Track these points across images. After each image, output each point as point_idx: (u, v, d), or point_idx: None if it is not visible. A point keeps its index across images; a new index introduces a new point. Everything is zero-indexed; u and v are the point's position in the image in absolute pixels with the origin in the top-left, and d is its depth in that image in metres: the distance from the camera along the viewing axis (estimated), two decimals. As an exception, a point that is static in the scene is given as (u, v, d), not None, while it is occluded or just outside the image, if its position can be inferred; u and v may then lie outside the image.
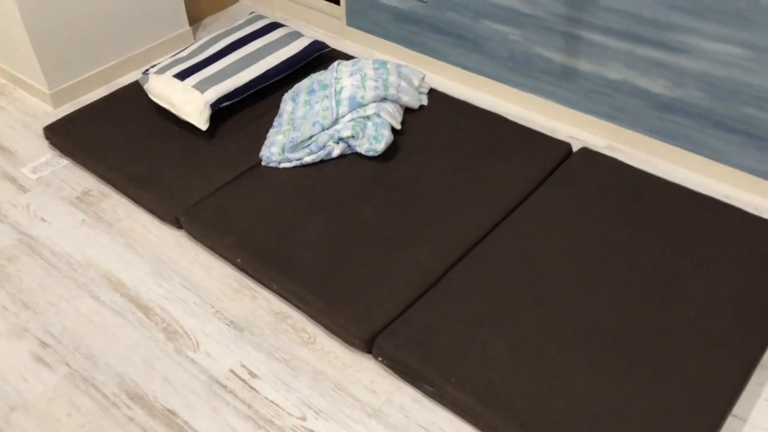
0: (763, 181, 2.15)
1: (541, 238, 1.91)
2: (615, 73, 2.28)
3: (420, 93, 2.45)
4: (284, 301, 1.91)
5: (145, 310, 1.90)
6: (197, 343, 1.81)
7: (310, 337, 1.82)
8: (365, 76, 2.30)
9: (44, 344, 1.82)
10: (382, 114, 2.22)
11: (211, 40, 2.56)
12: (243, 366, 1.75)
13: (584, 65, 2.34)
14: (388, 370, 1.73)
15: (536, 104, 2.53)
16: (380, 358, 1.70)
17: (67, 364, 1.77)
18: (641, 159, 2.34)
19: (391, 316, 1.74)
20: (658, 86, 2.21)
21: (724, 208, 1.98)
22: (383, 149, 2.14)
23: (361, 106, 2.21)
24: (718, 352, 1.62)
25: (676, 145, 2.27)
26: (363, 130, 2.18)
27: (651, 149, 2.33)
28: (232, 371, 1.74)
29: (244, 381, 1.72)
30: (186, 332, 1.84)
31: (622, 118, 2.35)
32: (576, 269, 1.82)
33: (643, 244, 1.88)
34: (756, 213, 2.12)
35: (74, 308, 1.91)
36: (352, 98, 2.22)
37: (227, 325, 1.85)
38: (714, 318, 1.69)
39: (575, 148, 2.39)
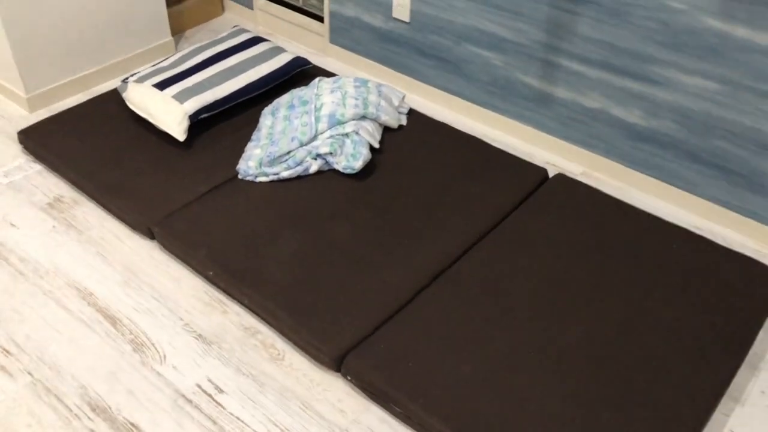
0: (733, 213, 2.18)
1: (513, 263, 1.92)
2: (592, 101, 2.31)
3: (399, 113, 2.46)
4: (255, 316, 1.89)
5: (113, 320, 1.87)
6: (164, 356, 1.79)
7: (279, 354, 1.80)
8: (346, 93, 2.31)
9: (7, 352, 1.78)
10: (360, 132, 2.22)
11: (192, 51, 2.56)
12: (210, 381, 1.73)
13: (562, 92, 2.37)
14: (357, 389, 1.72)
15: (514, 129, 2.55)
16: (349, 377, 1.69)
17: (30, 374, 1.73)
18: (615, 187, 2.37)
19: (361, 335, 1.73)
20: (633, 116, 2.24)
21: (695, 239, 2.01)
22: (361, 167, 2.14)
23: (341, 123, 2.22)
24: (685, 381, 1.63)
25: (650, 175, 2.31)
26: (341, 147, 2.18)
27: (625, 178, 2.36)
28: (198, 386, 1.72)
29: (210, 396, 1.70)
30: (153, 344, 1.81)
31: (598, 146, 2.38)
32: (546, 295, 1.83)
33: (614, 272, 1.90)
34: (725, 245, 2.16)
35: (40, 316, 1.87)
36: (331, 115, 2.22)
37: (195, 338, 1.83)
38: (681, 348, 1.71)
39: (551, 173, 2.41)
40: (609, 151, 2.36)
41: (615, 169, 2.37)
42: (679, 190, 2.26)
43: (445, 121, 2.63)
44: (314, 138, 2.20)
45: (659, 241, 1.99)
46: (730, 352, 1.70)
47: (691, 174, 2.21)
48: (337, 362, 1.70)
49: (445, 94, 2.68)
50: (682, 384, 1.63)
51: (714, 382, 1.64)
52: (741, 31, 1.92)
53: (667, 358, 1.69)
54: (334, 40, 2.95)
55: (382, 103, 2.36)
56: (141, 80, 2.39)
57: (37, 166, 2.36)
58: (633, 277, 1.89)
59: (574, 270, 1.90)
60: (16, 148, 2.44)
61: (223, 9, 3.31)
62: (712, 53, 2.00)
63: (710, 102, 2.07)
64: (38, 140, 2.33)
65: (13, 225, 2.14)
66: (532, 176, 2.23)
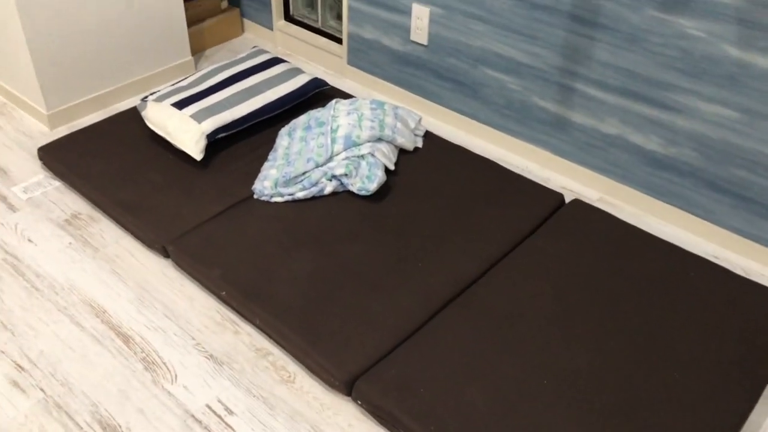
0: (752, 243, 2.15)
1: (528, 288, 1.91)
2: (610, 127, 2.30)
3: (415, 135, 2.46)
4: (267, 337, 1.89)
5: (125, 338, 1.87)
6: (175, 375, 1.78)
7: (290, 376, 1.79)
8: (362, 115, 2.32)
9: (20, 368, 1.79)
10: (376, 154, 2.22)
11: (212, 71, 2.58)
12: (220, 401, 1.72)
13: (580, 117, 2.36)
14: (367, 414, 1.71)
15: (531, 153, 2.54)
16: (359, 402, 1.68)
17: (42, 390, 1.74)
18: (632, 214, 2.35)
19: (373, 359, 1.72)
20: (652, 143, 2.23)
21: (712, 268, 1.98)
22: (375, 189, 2.14)
23: (356, 145, 2.22)
24: (700, 414, 1.60)
25: (668, 202, 2.28)
26: (356, 168, 2.18)
27: (642, 205, 2.34)
28: (208, 406, 1.71)
29: (219, 417, 1.69)
30: (164, 363, 1.81)
31: (615, 172, 2.36)
32: (560, 322, 1.81)
33: (629, 300, 1.88)
34: (743, 275, 2.13)
35: (53, 332, 1.88)
36: (347, 137, 2.23)
37: (207, 358, 1.83)
38: (696, 379, 1.68)
39: (568, 198, 2.40)
40: (626, 177, 2.34)
41: (632, 195, 2.35)
42: (697, 218, 2.24)
43: (461, 144, 2.63)
44: (330, 159, 2.21)
45: (676, 270, 1.97)
46: (748, 385, 1.67)
47: (709, 202, 2.19)
48: (348, 386, 1.69)
49: (462, 116, 2.68)
50: (697, 417, 1.60)
51: (730, 416, 1.61)
52: (761, 60, 1.91)
53: (682, 389, 1.66)
54: (352, 62, 2.96)
55: (398, 125, 2.37)
56: (160, 99, 2.41)
57: (56, 183, 2.38)
58: (649, 306, 1.86)
59: (589, 297, 1.88)
60: (36, 164, 2.47)
61: (242, 29, 3.34)
62: (731, 81, 1.98)
63: (729, 130, 2.05)
64: (57, 157, 2.35)
65: (30, 241, 2.16)
66: (549, 201, 2.21)
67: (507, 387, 1.65)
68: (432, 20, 2.58)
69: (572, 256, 2.00)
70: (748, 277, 2.11)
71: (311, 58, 3.13)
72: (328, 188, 2.18)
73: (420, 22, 2.61)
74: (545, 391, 1.65)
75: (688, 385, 1.67)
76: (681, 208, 2.26)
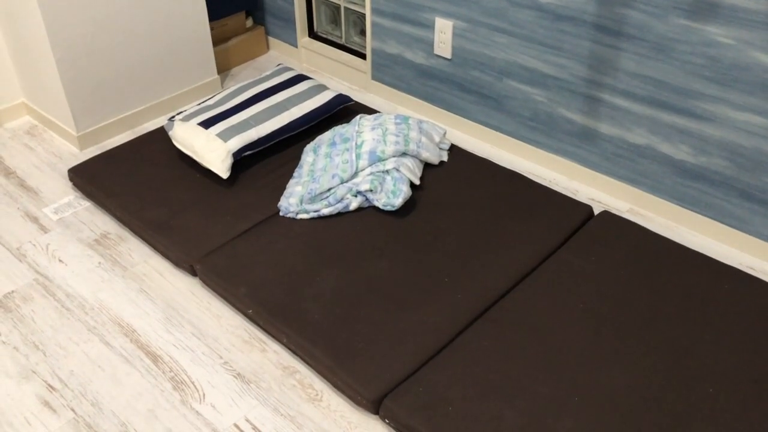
0: (789, 253, 2.10)
1: (557, 303, 1.88)
2: (638, 137, 2.26)
3: (440, 149, 2.45)
4: (293, 355, 1.88)
5: (154, 357, 1.88)
6: (203, 394, 1.79)
7: (317, 394, 1.78)
8: (386, 130, 2.31)
9: (51, 388, 1.81)
10: (401, 169, 2.22)
11: (238, 89, 2.60)
12: (247, 421, 1.72)
13: (607, 128, 2.33)
14: (395, 432, 1.69)
15: (558, 164, 2.52)
16: (387, 420, 1.66)
17: (73, 410, 1.75)
18: (663, 225, 2.30)
19: (400, 377, 1.70)
20: (681, 153, 2.19)
21: (748, 280, 1.93)
22: (401, 204, 2.13)
23: (381, 160, 2.22)
24: (740, 428, 1.56)
25: (700, 213, 2.24)
26: (381, 184, 2.18)
27: (674, 215, 2.30)
28: (236, 425, 1.71)
29: (247, 436, 1.69)
30: (193, 382, 1.82)
31: (644, 183, 2.32)
32: (591, 337, 1.78)
33: (663, 314, 1.83)
34: (781, 286, 2.07)
35: (83, 352, 1.90)
36: (372, 152, 2.22)
37: (234, 377, 1.83)
38: (734, 393, 1.63)
39: (597, 210, 2.36)
40: (656, 188, 2.30)
41: (663, 206, 2.31)
42: (731, 229, 2.18)
43: (486, 157, 2.61)
44: (355, 175, 2.20)
45: (710, 282, 1.92)
46: (788, 401, 1.62)
47: (743, 212, 2.14)
48: (375, 405, 1.67)
49: (487, 129, 2.67)
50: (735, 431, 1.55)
51: (771, 433, 1.56)
52: (793, 66, 1.87)
53: (718, 404, 1.61)
54: (376, 77, 2.97)
55: (423, 139, 2.36)
56: (186, 119, 2.44)
57: (86, 203, 2.42)
58: (683, 319, 1.82)
59: (620, 311, 1.85)
60: (66, 185, 2.51)
61: (267, 47, 3.37)
62: (762, 89, 1.94)
63: (761, 138, 2.00)
64: (87, 177, 2.39)
65: (61, 261, 2.19)
66: (577, 213, 2.18)
67: (538, 405, 1.62)
68: (455, 34, 2.58)
69: (602, 269, 1.97)
70: (785, 288, 2.05)
71: (336, 74, 3.15)
72: (354, 204, 2.18)
73: (443, 35, 2.61)
74: (578, 408, 1.61)
75: (725, 400, 1.62)
76: (713, 218, 2.21)
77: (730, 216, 2.17)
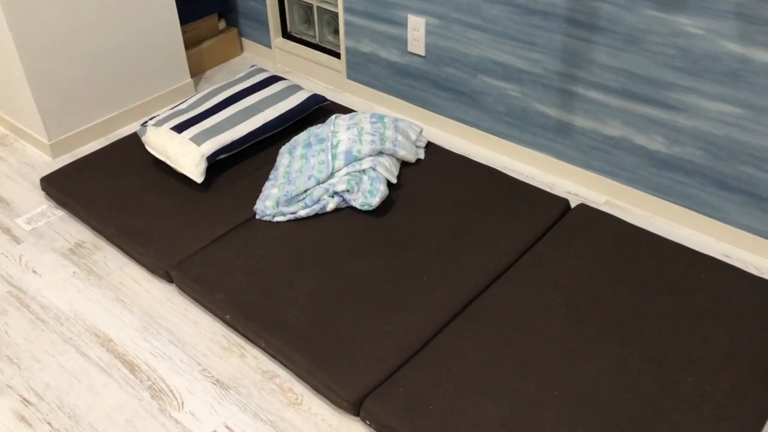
0: (764, 240, 2.11)
1: (536, 298, 1.87)
2: (612, 129, 2.27)
3: (417, 147, 2.44)
4: (273, 359, 1.87)
5: (131, 366, 1.86)
6: (182, 402, 1.77)
7: (297, 398, 1.77)
8: (362, 130, 2.30)
9: (27, 402, 1.78)
10: (378, 168, 2.20)
11: (211, 92, 2.58)
12: (227, 427, 1.70)
13: (582, 121, 2.33)
14: (377, 434, 1.68)
15: (534, 159, 2.52)
16: (368, 422, 1.65)
17: (49, 423, 1.73)
18: (640, 216, 2.31)
19: (380, 378, 1.69)
20: (656, 143, 2.19)
21: (725, 268, 1.94)
22: (378, 204, 2.12)
23: (357, 159, 2.21)
24: (718, 417, 1.56)
25: (676, 203, 2.25)
26: (358, 184, 2.16)
27: (650, 206, 2.30)
28: (216, 433, 1.70)
29: (228, 443, 1.67)
30: (171, 391, 1.79)
31: (620, 175, 2.33)
32: (571, 331, 1.78)
33: (641, 305, 1.84)
34: (757, 273, 2.08)
35: (59, 364, 1.87)
36: (348, 152, 2.21)
37: (213, 383, 1.81)
38: (714, 382, 1.64)
39: (573, 203, 2.37)
40: (632, 179, 2.31)
41: (639, 197, 2.31)
42: (706, 218, 2.20)
43: (463, 154, 2.61)
44: (331, 176, 2.19)
45: (687, 271, 1.93)
46: (766, 387, 1.63)
47: (718, 201, 2.15)
48: (356, 406, 1.66)
49: (463, 125, 2.66)
50: (715, 422, 1.56)
51: (749, 419, 1.56)
52: (762, 54, 1.87)
53: (698, 393, 1.62)
54: (351, 76, 2.95)
55: (399, 137, 2.35)
56: (159, 123, 2.41)
57: (60, 212, 2.39)
58: (661, 309, 1.82)
59: (599, 303, 1.85)
60: (39, 194, 2.47)
61: (241, 49, 3.35)
62: (732, 78, 1.95)
63: (734, 127, 2.01)
64: (60, 186, 2.36)
65: (35, 272, 2.15)
66: (554, 207, 2.18)
67: (518, 400, 1.62)
68: (428, 31, 2.57)
69: (580, 262, 1.97)
70: (761, 275, 2.07)
71: (311, 74, 3.13)
72: (331, 205, 2.17)
73: (416, 33, 2.60)
74: (558, 402, 1.61)
75: (705, 389, 1.63)
76: (689, 208, 2.22)
77: (705, 205, 2.18)
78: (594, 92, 2.25)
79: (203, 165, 2.27)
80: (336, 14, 2.96)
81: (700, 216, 2.21)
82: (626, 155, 2.28)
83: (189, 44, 3.13)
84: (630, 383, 1.65)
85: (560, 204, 2.20)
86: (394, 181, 2.24)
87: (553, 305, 1.85)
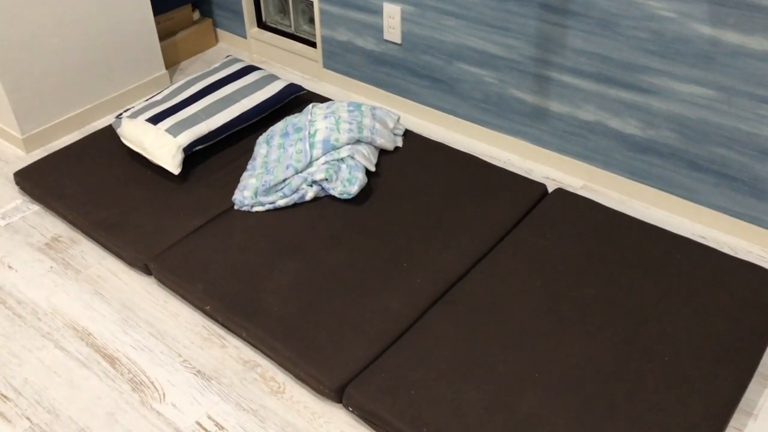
0: (738, 221, 2.14)
1: (515, 282, 1.89)
2: (588, 114, 2.29)
3: (395, 135, 2.44)
4: (254, 349, 1.87)
5: (111, 360, 1.85)
6: (163, 394, 1.76)
7: (279, 387, 1.77)
8: (339, 118, 2.30)
9: (5, 398, 1.76)
10: (356, 156, 2.20)
11: (186, 83, 2.56)
12: (210, 418, 1.70)
13: (557, 106, 2.34)
14: (359, 420, 1.69)
15: (511, 145, 2.53)
16: (350, 408, 1.66)
17: (28, 419, 1.71)
18: (617, 199, 2.34)
19: (362, 364, 1.70)
20: (630, 127, 2.22)
21: (700, 249, 1.97)
22: (357, 192, 2.12)
23: (335, 148, 2.20)
24: (696, 396, 1.59)
25: (651, 186, 2.27)
26: (337, 173, 2.16)
27: (626, 189, 2.33)
28: (198, 423, 1.69)
29: (210, 433, 1.67)
30: (152, 383, 1.79)
31: (596, 159, 2.35)
32: (550, 314, 1.80)
33: (618, 286, 1.86)
34: (731, 253, 2.11)
35: (38, 359, 1.85)
36: (326, 141, 2.20)
37: (194, 374, 1.80)
38: (690, 361, 1.67)
39: (551, 188, 2.38)
40: (608, 163, 2.33)
41: (615, 181, 2.34)
42: (681, 200, 2.22)
43: (441, 141, 2.61)
44: (309, 165, 2.19)
45: (663, 253, 1.95)
46: (740, 364, 1.66)
47: (692, 182, 2.18)
48: (338, 393, 1.67)
49: (440, 113, 2.67)
50: (693, 399, 1.59)
51: (726, 395, 1.59)
52: (732, 37, 1.90)
53: (676, 372, 1.64)
54: (327, 65, 2.94)
55: (377, 126, 2.35)
56: (134, 115, 2.39)
57: (35, 207, 2.36)
58: (638, 291, 1.85)
59: (577, 286, 1.87)
60: (13, 189, 2.44)
61: (216, 39, 3.32)
62: (704, 60, 1.97)
63: (706, 109, 2.04)
64: (34, 180, 2.33)
65: (11, 267, 2.13)
66: (531, 192, 2.20)
67: (499, 383, 1.64)
68: (404, 18, 2.56)
69: (558, 246, 1.99)
70: (735, 255, 2.10)
71: (287, 64, 3.11)
72: (309, 194, 2.16)
73: (392, 20, 2.59)
74: (538, 384, 1.63)
75: (682, 367, 1.65)
76: (664, 190, 2.25)
77: (680, 187, 2.21)
78: (569, 77, 2.26)
79: (180, 156, 2.25)
80: (311, 3, 2.94)
81: (676, 198, 2.23)
82: (602, 139, 2.30)
83: (163, 35, 3.09)
84: (608, 364, 1.67)
85: (538, 189, 2.21)
86: (372, 169, 2.24)
87: (532, 289, 1.87)
